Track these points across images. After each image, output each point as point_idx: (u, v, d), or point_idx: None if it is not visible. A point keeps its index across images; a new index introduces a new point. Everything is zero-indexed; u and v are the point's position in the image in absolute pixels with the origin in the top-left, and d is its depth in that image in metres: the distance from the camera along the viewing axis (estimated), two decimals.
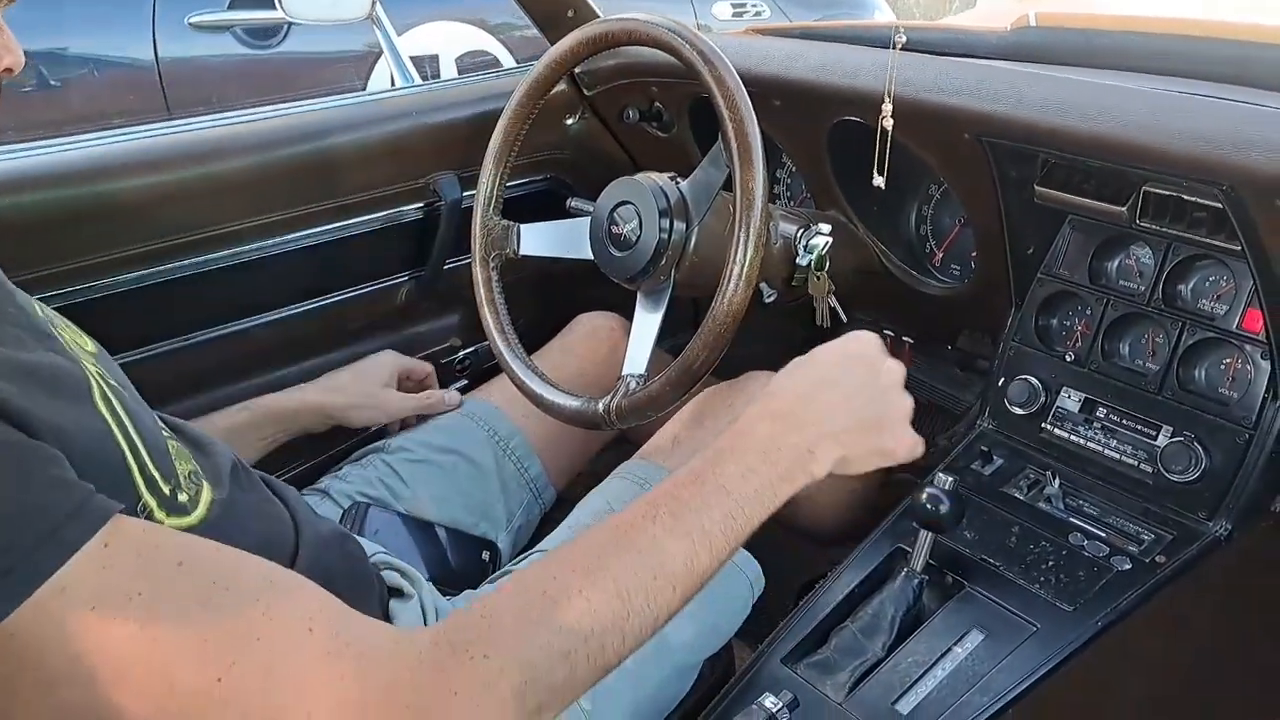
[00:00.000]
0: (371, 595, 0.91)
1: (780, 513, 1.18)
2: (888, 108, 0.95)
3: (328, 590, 0.74)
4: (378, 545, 1.03)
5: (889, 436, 0.77)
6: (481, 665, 0.58)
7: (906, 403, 0.80)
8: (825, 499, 1.27)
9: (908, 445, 0.79)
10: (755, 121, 1.01)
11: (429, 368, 1.34)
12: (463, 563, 1.16)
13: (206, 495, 0.76)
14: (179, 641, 0.52)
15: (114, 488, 0.62)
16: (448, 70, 3.18)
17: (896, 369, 0.80)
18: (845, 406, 0.75)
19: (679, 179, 1.16)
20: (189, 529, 0.71)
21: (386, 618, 0.91)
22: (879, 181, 1.03)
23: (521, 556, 1.06)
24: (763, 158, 1.00)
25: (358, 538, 0.99)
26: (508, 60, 3.30)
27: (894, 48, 0.95)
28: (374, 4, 1.42)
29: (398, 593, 0.94)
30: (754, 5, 3.79)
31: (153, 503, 0.67)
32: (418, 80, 1.56)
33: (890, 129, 0.95)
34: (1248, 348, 1.03)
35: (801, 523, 1.29)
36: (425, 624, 0.91)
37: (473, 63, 3.21)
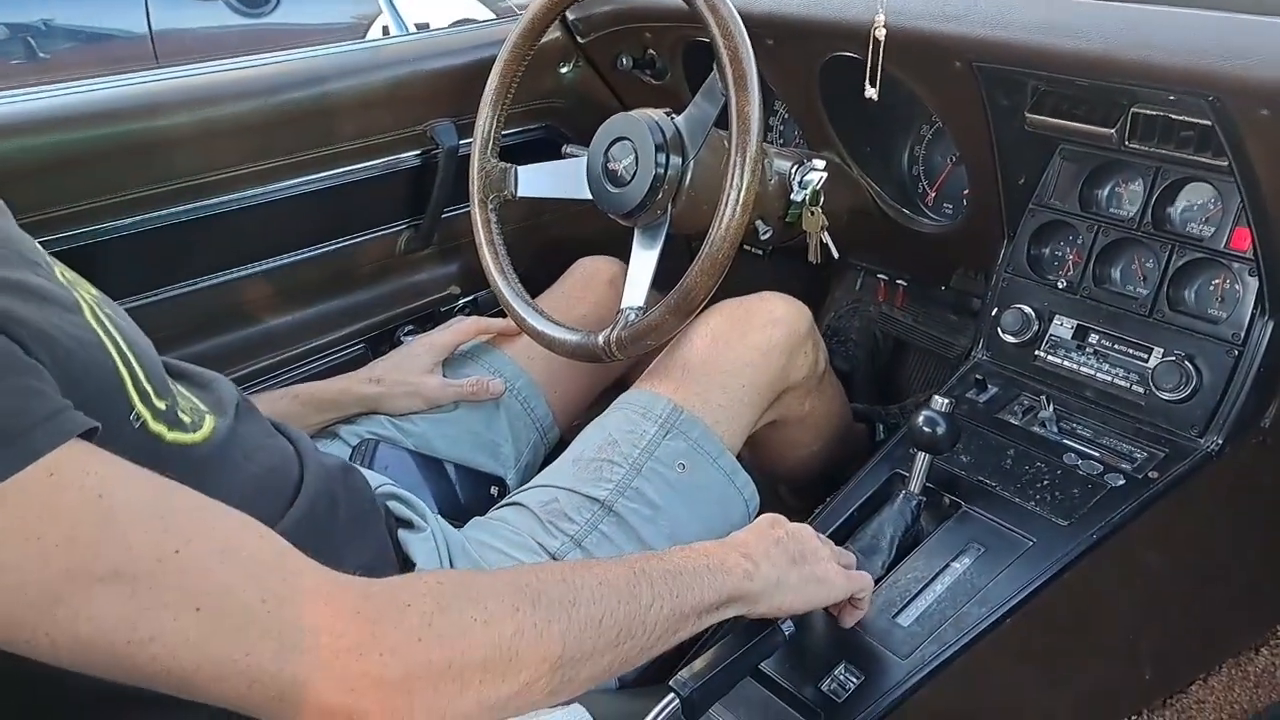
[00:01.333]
0: (377, 523, 0.93)
1: (767, 455, 1.21)
2: (880, 18, 0.96)
3: (331, 516, 0.76)
4: (385, 478, 1.04)
5: (802, 596, 0.86)
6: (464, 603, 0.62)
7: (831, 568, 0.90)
8: (805, 443, 1.29)
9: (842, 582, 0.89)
10: (750, 48, 1.02)
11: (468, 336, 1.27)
12: (471, 497, 1.17)
13: (210, 421, 0.78)
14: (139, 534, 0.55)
15: (103, 395, 0.63)
16: None
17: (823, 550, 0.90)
18: (793, 576, 0.85)
19: (674, 114, 1.17)
20: (191, 445, 0.73)
21: (396, 545, 0.93)
22: (871, 93, 1.04)
23: (530, 486, 1.08)
24: (758, 85, 1.01)
25: (365, 470, 1.01)
26: None
27: None
28: None
29: (407, 524, 0.95)
30: None
31: (146, 413, 0.67)
32: (411, 28, 1.57)
33: (883, 39, 0.97)
34: (1235, 266, 1.05)
35: (777, 465, 1.31)
36: (438, 553, 0.93)
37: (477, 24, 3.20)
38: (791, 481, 1.40)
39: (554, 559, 0.97)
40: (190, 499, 0.60)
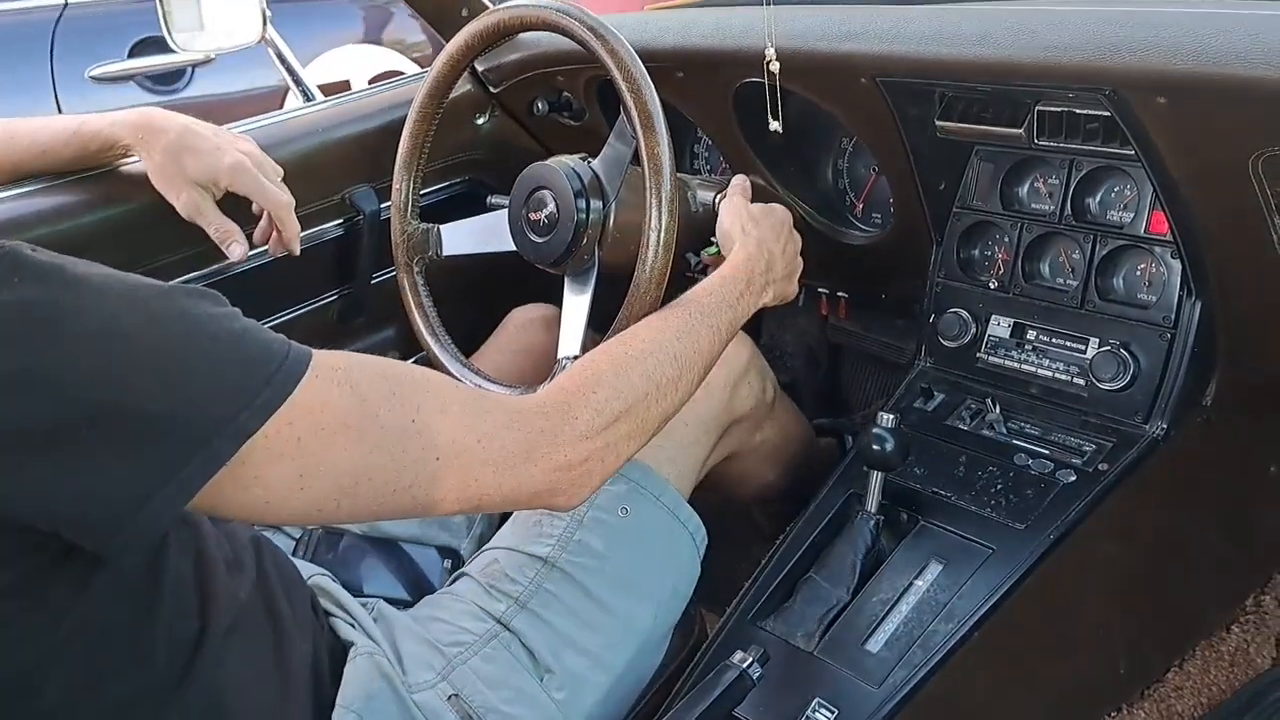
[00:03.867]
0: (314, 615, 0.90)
1: (721, 488, 1.20)
2: (770, 52, 0.96)
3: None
4: (316, 568, 1.01)
5: (792, 284, 1.12)
6: (592, 397, 0.82)
7: (801, 261, 1.14)
8: (763, 472, 1.29)
9: (795, 290, 1.13)
10: (653, 88, 1.01)
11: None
12: (424, 575, 1.15)
13: None
14: (381, 407, 0.71)
15: None
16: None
17: (798, 237, 1.14)
18: (780, 266, 1.08)
19: (590, 158, 1.17)
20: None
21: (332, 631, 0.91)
22: (775, 126, 1.04)
23: (479, 552, 1.06)
24: (665, 124, 1.01)
25: (300, 561, 0.98)
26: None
27: (764, 2, 0.98)
28: (265, 26, 1.41)
29: (335, 616, 0.92)
30: None
31: None
32: (318, 95, 1.54)
33: (777, 72, 0.96)
34: (1157, 249, 1.06)
35: (740, 496, 1.30)
36: (370, 637, 0.91)
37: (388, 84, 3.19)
38: (763, 506, 1.39)
39: (500, 623, 0.95)
40: (401, 370, 0.77)
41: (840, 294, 1.53)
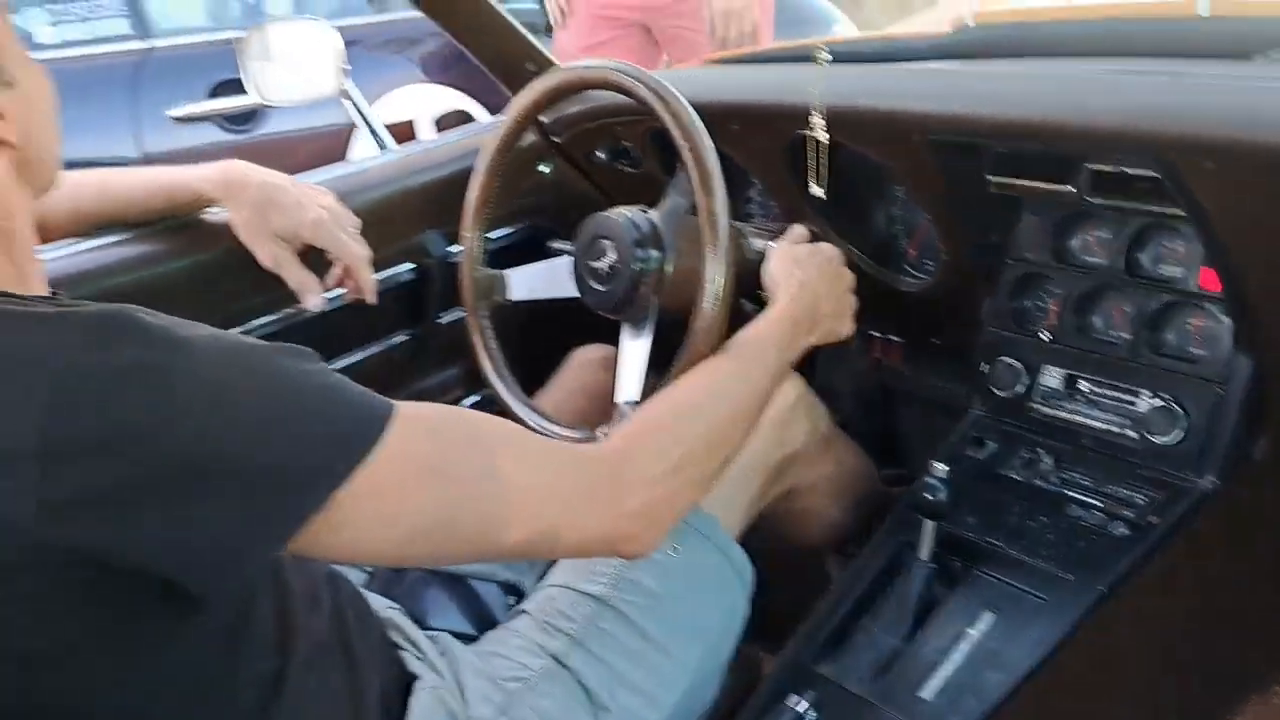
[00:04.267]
0: (387, 648, 0.94)
1: (783, 527, 1.22)
2: (818, 121, 1.00)
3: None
4: (389, 601, 1.05)
5: (843, 322, 1.16)
6: (655, 445, 0.87)
7: (853, 299, 1.18)
8: (825, 510, 1.31)
9: (849, 328, 1.18)
10: (713, 149, 1.06)
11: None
12: (490, 609, 1.18)
13: None
14: (460, 454, 0.77)
15: None
16: (426, 132, 3.25)
17: (849, 275, 1.18)
18: (827, 305, 1.12)
19: (648, 209, 1.21)
20: None
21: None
22: (817, 191, 1.08)
23: (538, 588, 1.09)
24: (723, 183, 1.05)
25: (371, 595, 1.02)
26: (483, 115, 3.37)
27: (818, 63, 1.02)
28: (342, 80, 1.49)
29: (407, 650, 0.96)
30: None
31: None
32: (392, 144, 1.62)
33: (825, 140, 1.01)
34: (1208, 306, 1.07)
35: (804, 535, 1.32)
36: (438, 673, 0.95)
37: (451, 123, 3.28)
38: (834, 547, 1.40)
39: (556, 661, 0.98)
40: (478, 419, 0.81)
41: (893, 338, 1.56)
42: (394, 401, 0.75)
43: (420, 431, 0.75)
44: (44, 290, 0.79)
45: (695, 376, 0.99)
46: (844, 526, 1.33)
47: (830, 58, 0.99)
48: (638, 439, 0.88)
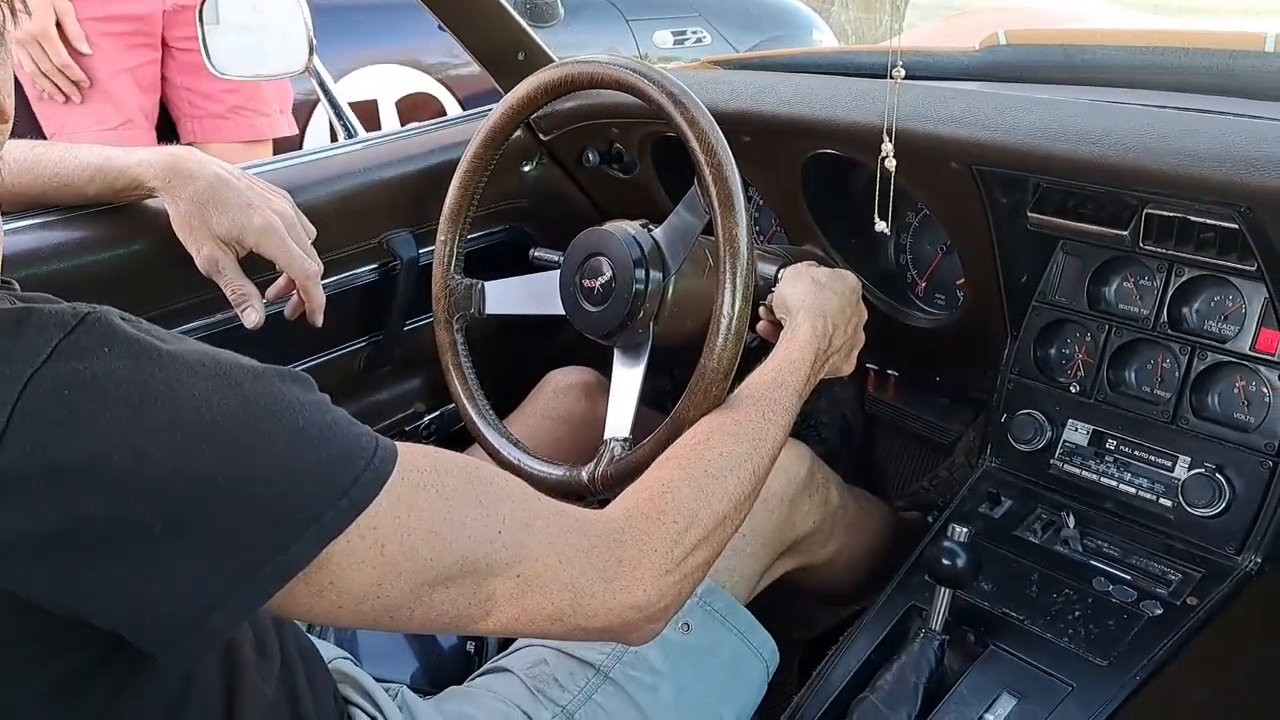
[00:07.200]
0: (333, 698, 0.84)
1: (791, 575, 1.12)
2: (888, 147, 0.88)
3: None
4: (339, 651, 0.94)
5: (849, 360, 1.07)
6: (672, 526, 0.76)
7: (862, 337, 1.09)
8: (840, 578, 1.21)
9: (852, 366, 1.08)
10: (734, 165, 0.94)
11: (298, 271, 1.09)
12: (447, 659, 1.07)
13: None
14: (464, 514, 0.66)
15: None
16: (388, 114, 3.08)
17: (864, 309, 1.09)
18: (840, 340, 1.03)
19: (651, 226, 1.09)
20: None
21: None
22: (882, 227, 0.97)
23: (514, 647, 0.98)
24: (745, 203, 0.94)
25: (319, 640, 0.91)
26: (448, 100, 3.21)
27: (892, 79, 0.88)
28: (311, 56, 1.34)
29: (358, 705, 0.86)
30: (695, 32, 3.75)
31: None
32: (360, 130, 1.47)
33: (893, 169, 0.89)
34: (1263, 370, 0.98)
35: (815, 584, 1.21)
36: None
37: (412, 105, 3.12)
38: (821, 596, 1.30)
39: None
40: (486, 474, 0.70)
41: (891, 372, 1.46)
42: (397, 445, 0.65)
43: (424, 485, 0.65)
44: None
45: (710, 435, 0.87)
46: (859, 588, 1.23)
47: (904, 73, 0.87)
48: (653, 520, 0.76)
